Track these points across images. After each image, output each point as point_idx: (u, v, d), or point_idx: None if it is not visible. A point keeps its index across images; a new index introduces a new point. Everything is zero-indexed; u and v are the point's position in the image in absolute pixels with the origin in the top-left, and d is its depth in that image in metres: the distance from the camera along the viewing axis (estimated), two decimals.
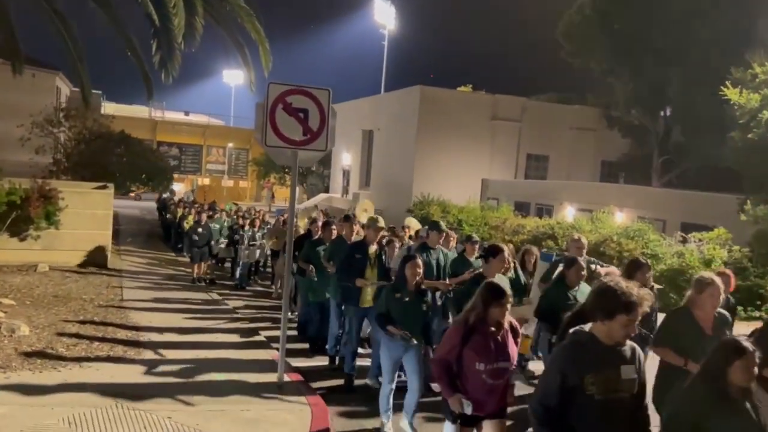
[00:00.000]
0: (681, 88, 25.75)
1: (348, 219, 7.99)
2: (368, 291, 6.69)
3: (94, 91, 49.44)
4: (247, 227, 13.77)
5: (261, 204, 46.21)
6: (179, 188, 46.15)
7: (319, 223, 9.34)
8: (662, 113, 29.79)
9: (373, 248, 6.75)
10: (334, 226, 8.36)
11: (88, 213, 13.71)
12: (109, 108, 48.48)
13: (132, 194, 35.29)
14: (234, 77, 60.17)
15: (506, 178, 30.15)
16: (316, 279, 7.99)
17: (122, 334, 7.49)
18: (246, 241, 13.35)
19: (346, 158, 38.11)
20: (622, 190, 22.50)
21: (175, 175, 48.62)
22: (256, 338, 8.20)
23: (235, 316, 9.71)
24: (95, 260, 13.65)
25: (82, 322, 7.86)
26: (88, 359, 6.38)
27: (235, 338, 8.04)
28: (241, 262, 13.33)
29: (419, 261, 5.36)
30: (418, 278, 5.29)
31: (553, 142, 32.45)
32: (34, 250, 12.78)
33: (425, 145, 29.54)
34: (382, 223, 6.79)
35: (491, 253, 5.51)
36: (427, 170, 29.14)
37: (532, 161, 32.86)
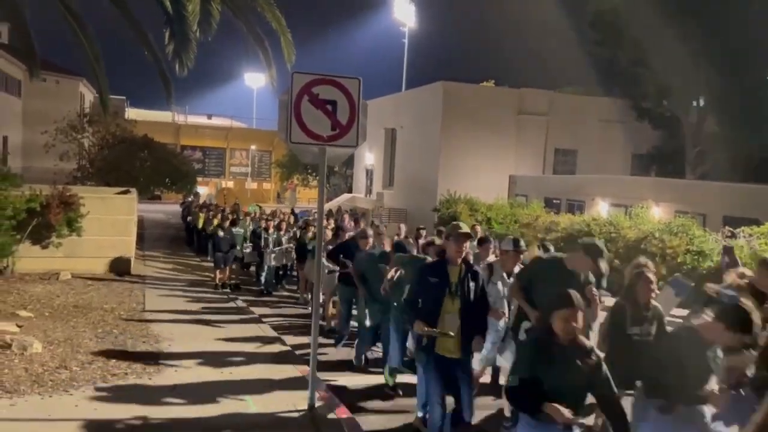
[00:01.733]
0: (715, 77, 24.79)
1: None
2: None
3: (118, 97, 50.22)
4: (271, 230, 13.36)
5: (283, 205, 45.98)
6: (203, 191, 46.19)
7: (370, 232, 8.11)
8: (695, 103, 28.80)
9: (455, 269, 4.69)
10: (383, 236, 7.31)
11: (110, 219, 13.44)
12: (132, 114, 48.82)
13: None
14: (256, 80, 60.19)
15: (534, 174, 29.41)
16: (367, 303, 7.07)
17: (142, 348, 7.06)
18: (271, 245, 12.95)
19: (369, 157, 37.68)
20: (657, 183, 21.62)
21: (199, 179, 48.84)
22: (285, 352, 7.64)
23: (262, 327, 9.16)
24: (118, 267, 13.37)
25: (100, 337, 7.45)
26: (103, 380, 5.94)
27: (262, 352, 7.50)
28: (266, 267, 12.91)
29: (577, 296, 3.47)
30: (575, 325, 3.40)
31: (582, 136, 31.59)
32: (56, 258, 12.55)
33: (449, 142, 28.95)
34: (466, 228, 4.80)
35: None
36: (452, 168, 28.55)
37: (560, 156, 32.06)
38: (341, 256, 8.17)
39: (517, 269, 6.02)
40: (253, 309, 10.51)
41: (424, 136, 30.41)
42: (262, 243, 13.04)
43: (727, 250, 10.92)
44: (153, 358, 6.68)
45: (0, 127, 28.78)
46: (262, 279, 13.00)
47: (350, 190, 41.59)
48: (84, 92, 37.96)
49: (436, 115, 29.21)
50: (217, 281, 12.82)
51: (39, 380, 5.73)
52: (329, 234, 10.67)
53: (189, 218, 23.22)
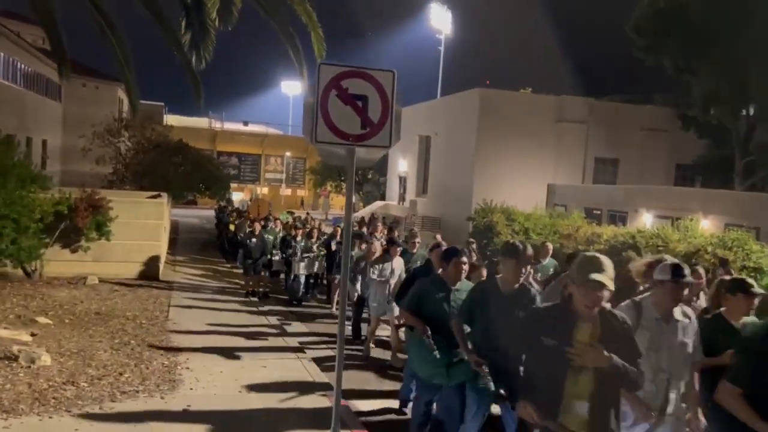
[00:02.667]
0: (767, 83, 23.62)
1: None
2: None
3: (156, 103, 50.94)
4: (299, 237, 12.86)
5: (317, 212, 45.90)
6: (238, 197, 46.44)
7: (465, 261, 5.07)
8: (744, 111, 27.58)
9: (586, 327, 3.11)
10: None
11: (139, 223, 13.26)
12: (171, 119, 49.80)
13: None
14: (292, 87, 60.64)
15: (572, 183, 28.50)
16: (436, 354, 4.78)
17: (158, 362, 6.62)
18: (299, 253, 12.46)
19: (402, 165, 37.25)
20: (706, 195, 20.55)
21: (235, 185, 49.13)
22: (315, 374, 6.91)
23: (292, 344, 8.41)
24: (147, 272, 13.18)
25: (116, 348, 7.05)
26: (111, 398, 5.50)
27: (288, 374, 6.78)
28: (293, 275, 12.42)
29: None
30: None
31: (623, 145, 30.55)
32: (85, 262, 12.42)
33: (486, 149, 28.28)
34: (602, 276, 3.08)
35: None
36: (488, 176, 27.86)
37: (600, 165, 31.07)
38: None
39: (677, 313, 3.96)
40: (285, 326, 9.79)
41: (459, 144, 29.83)
42: (290, 251, 12.61)
43: (723, 262, 10.52)
44: (168, 373, 6.25)
45: (40, 131, 29.23)
46: (297, 288, 12.49)
47: (383, 198, 41.15)
48: (123, 97, 38.45)
49: (472, 123, 28.59)
50: (247, 289, 12.45)
51: (41, 398, 5.31)
52: (377, 248, 9.55)
53: (223, 224, 23.15)
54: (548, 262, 9.25)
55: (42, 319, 7.87)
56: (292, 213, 23.16)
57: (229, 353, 7.47)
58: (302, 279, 12.50)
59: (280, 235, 14.10)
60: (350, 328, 9.24)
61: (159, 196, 14.96)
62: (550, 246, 9.65)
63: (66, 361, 6.33)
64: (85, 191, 12.01)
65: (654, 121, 30.96)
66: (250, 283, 12.72)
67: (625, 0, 29.43)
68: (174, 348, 7.34)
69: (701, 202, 19.24)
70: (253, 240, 12.63)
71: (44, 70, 29.47)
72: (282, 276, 14.38)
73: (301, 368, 7.13)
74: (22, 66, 27.14)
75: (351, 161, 4.26)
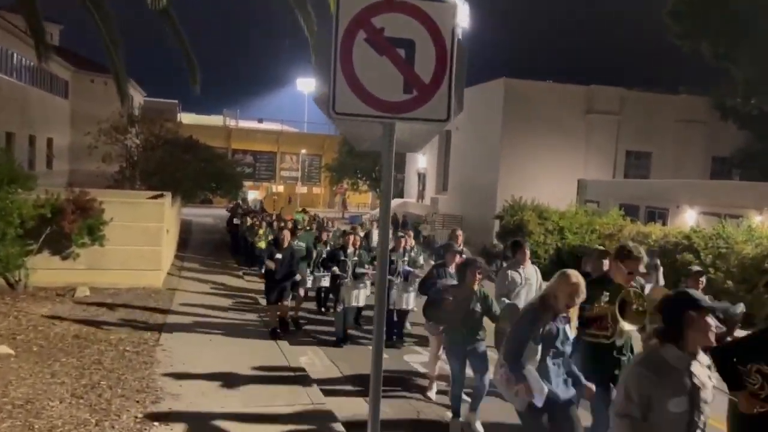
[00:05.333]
0: None
1: None
2: None
3: (170, 100, 49.84)
4: (350, 248, 9.31)
5: (333, 211, 44.65)
6: (253, 196, 45.34)
7: None
8: None
9: None
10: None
11: (138, 226, 11.93)
12: (185, 118, 49.12)
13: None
14: (307, 85, 59.52)
15: (603, 177, 26.85)
16: None
17: (130, 416, 5.05)
18: (350, 270, 9.01)
19: (421, 161, 35.86)
20: (759, 188, 18.74)
21: (250, 183, 47.90)
22: None
23: (314, 395, 6.13)
24: (146, 281, 11.85)
25: (80, 393, 5.46)
26: None
27: None
28: (345, 306, 8.87)
29: None
30: None
31: (657, 137, 28.92)
32: (77, 270, 11.13)
33: (511, 143, 26.76)
34: None
35: None
36: (514, 171, 26.34)
37: (632, 158, 29.46)
38: None
39: None
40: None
41: (482, 137, 28.30)
42: (339, 269, 9.14)
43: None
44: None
45: (44, 129, 28.16)
46: (338, 325, 8.91)
47: (401, 195, 39.72)
48: (132, 94, 37.44)
49: (497, 115, 27.06)
50: (274, 324, 8.89)
51: None
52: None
53: (235, 220, 21.90)
54: None
55: (3, 349, 6.50)
56: (306, 212, 21.77)
57: (228, 400, 5.74)
58: (354, 310, 9.38)
59: (312, 239, 11.86)
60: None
61: (161, 195, 13.63)
62: None
63: (1, 420, 4.76)
64: (72, 191, 10.69)
65: (690, 111, 29.28)
66: (278, 313, 9.16)
67: None
68: (156, 389, 5.73)
69: (754, 198, 17.52)
70: (278, 255, 8.92)
71: (50, 65, 28.36)
72: (300, 291, 11.68)
73: (322, 427, 5.37)
74: (26, 61, 26.04)
75: (389, 143, 2.75)
